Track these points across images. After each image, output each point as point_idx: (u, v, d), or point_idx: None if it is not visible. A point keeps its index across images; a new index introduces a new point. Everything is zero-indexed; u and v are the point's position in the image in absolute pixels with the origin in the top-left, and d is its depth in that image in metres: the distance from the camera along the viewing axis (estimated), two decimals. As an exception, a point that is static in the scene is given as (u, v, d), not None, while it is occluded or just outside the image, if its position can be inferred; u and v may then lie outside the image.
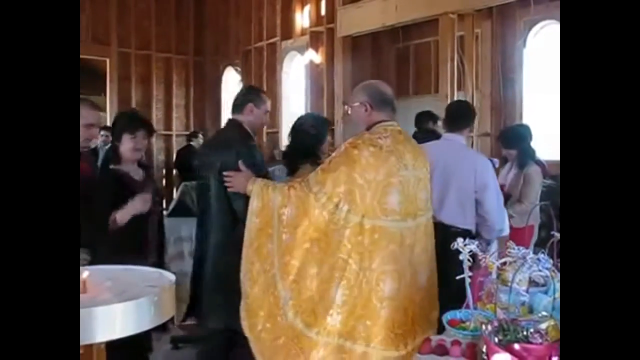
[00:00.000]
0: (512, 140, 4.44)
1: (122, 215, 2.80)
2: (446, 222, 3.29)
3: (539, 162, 4.69)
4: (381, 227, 2.36)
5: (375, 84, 2.74)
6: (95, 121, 2.98)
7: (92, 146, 8.35)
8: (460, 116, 3.61)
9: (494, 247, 3.69)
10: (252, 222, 2.54)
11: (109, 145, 7.82)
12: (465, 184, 3.33)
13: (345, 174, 2.36)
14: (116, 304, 1.39)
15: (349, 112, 2.69)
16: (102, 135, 7.84)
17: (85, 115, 2.82)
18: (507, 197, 4.14)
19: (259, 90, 3.47)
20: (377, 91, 2.63)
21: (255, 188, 2.58)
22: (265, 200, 2.52)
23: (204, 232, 3.13)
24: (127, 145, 2.98)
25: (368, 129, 2.55)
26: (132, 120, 3.12)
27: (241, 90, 3.50)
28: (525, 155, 4.35)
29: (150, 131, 3.14)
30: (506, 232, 3.97)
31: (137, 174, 3.05)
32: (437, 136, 4.57)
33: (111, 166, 3.02)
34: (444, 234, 3.21)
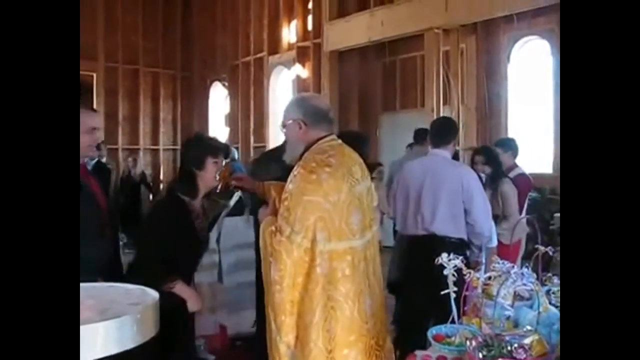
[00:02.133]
0: (490, 157, 4.52)
1: (180, 290, 2.58)
2: (438, 234, 3.39)
3: (523, 175, 4.74)
4: (352, 249, 2.28)
5: (308, 98, 2.57)
6: (98, 125, 2.73)
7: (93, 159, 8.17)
8: (444, 132, 3.70)
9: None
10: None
11: (96, 160, 7.72)
12: (454, 195, 3.43)
13: (310, 202, 2.22)
14: (98, 322, 1.37)
15: (284, 130, 2.50)
16: None
17: (86, 119, 2.59)
18: (495, 217, 4.22)
19: None
20: (311, 107, 2.42)
21: (262, 226, 2.38)
22: (263, 252, 2.34)
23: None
24: (211, 171, 2.66)
25: (308, 147, 2.38)
26: (214, 143, 2.82)
27: None
28: (498, 174, 4.43)
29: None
30: (494, 243, 4.03)
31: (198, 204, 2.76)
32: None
33: (179, 195, 2.67)
34: (438, 245, 3.31)
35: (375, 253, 2.46)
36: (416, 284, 3.42)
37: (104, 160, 8.66)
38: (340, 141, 2.46)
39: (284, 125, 2.48)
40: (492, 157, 4.52)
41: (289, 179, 2.32)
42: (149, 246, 2.63)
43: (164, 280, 2.55)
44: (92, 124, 2.65)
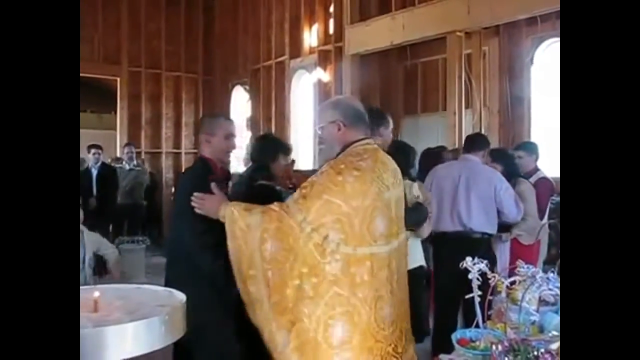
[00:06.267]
0: (497, 156, 4.53)
1: None
2: (476, 230, 3.93)
3: (545, 179, 4.69)
4: (373, 255, 2.25)
5: (346, 100, 2.58)
6: (234, 132, 2.94)
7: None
8: (478, 141, 4.30)
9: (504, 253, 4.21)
10: (232, 260, 2.31)
11: (100, 163, 7.81)
12: (485, 194, 3.93)
13: (330, 203, 2.19)
14: (127, 323, 1.40)
15: (320, 132, 2.49)
16: (94, 154, 7.80)
17: (225, 125, 2.91)
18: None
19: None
20: (349, 107, 2.42)
21: (228, 214, 2.31)
22: (239, 234, 2.27)
23: None
24: (282, 164, 3.29)
25: (343, 149, 2.37)
26: (284, 142, 3.60)
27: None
28: (510, 173, 4.39)
29: None
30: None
31: None
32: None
33: (263, 182, 3.16)
34: (474, 242, 3.86)
35: (401, 261, 2.42)
36: (450, 278, 3.70)
37: (120, 162, 8.79)
38: (376, 145, 2.45)
39: (320, 127, 2.46)
40: (503, 157, 4.55)
41: (316, 173, 2.31)
42: None
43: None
44: (229, 130, 2.91)
